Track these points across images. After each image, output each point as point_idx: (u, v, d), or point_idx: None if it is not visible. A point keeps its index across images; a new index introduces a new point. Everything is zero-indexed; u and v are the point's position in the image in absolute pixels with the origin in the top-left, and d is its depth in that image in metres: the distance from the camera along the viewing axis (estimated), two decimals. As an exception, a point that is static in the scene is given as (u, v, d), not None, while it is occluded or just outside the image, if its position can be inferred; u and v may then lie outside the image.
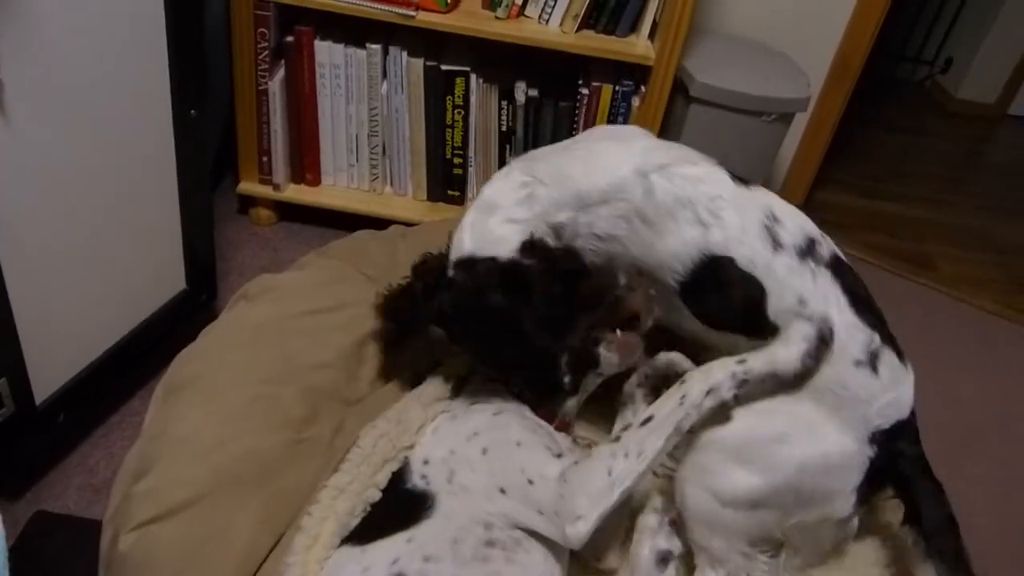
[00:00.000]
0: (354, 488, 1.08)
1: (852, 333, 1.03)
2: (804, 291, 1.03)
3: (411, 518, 0.99)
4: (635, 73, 2.09)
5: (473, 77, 2.07)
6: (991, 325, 2.53)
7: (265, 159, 2.14)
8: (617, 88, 2.08)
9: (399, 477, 1.07)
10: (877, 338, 1.04)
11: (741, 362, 1.01)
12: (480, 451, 1.05)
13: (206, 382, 1.21)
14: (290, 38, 2.01)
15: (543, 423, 1.14)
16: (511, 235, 1.06)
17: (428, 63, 2.05)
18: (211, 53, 2.03)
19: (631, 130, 1.16)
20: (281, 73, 2.06)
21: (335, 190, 2.24)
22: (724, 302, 1.07)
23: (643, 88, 2.07)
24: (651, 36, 2.04)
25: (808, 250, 1.06)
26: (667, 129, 2.14)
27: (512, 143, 2.16)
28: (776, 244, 1.05)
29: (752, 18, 2.40)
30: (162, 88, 1.48)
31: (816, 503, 1.03)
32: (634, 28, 2.05)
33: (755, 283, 1.04)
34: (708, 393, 1.00)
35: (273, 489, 1.10)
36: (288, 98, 2.09)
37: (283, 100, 2.08)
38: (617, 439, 1.00)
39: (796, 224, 1.08)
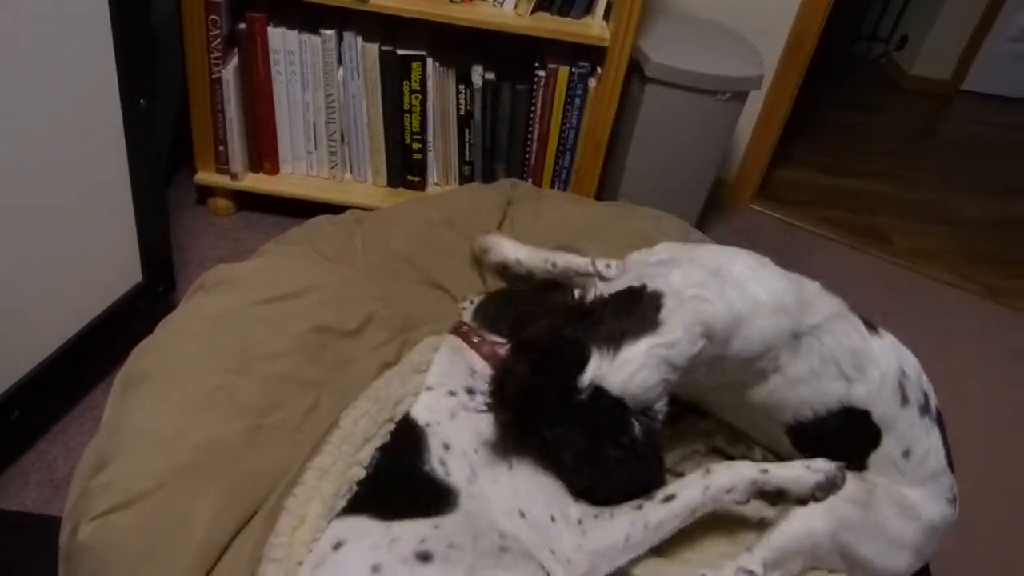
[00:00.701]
0: (337, 468, 1.09)
1: (944, 480, 1.15)
2: (915, 444, 1.12)
3: (435, 508, 1.00)
4: (591, 54, 2.10)
5: (429, 61, 2.07)
6: (944, 295, 2.60)
7: (221, 148, 2.12)
8: (573, 70, 2.09)
9: (415, 454, 1.06)
10: (955, 483, 1.17)
11: (764, 471, 1.07)
12: (507, 465, 1.05)
13: (164, 373, 1.21)
14: (242, 25, 1.99)
15: None
16: (652, 394, 1.01)
17: (384, 48, 2.03)
18: (163, 42, 2.00)
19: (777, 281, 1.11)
20: (235, 61, 2.03)
21: (294, 178, 2.22)
22: (839, 444, 1.13)
23: (599, 69, 2.08)
24: (606, 17, 2.05)
25: (926, 406, 1.15)
26: (624, 111, 2.15)
27: (471, 126, 2.16)
28: (904, 399, 1.12)
29: (706, -3, 2.42)
30: (109, 78, 1.45)
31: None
32: (589, 9, 2.06)
33: (877, 434, 1.11)
34: (729, 491, 1.05)
35: (234, 475, 1.10)
36: (243, 86, 2.07)
37: (238, 88, 2.06)
38: (640, 507, 1.04)
39: (916, 375, 1.16)
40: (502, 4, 2.01)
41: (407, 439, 1.09)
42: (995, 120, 4.00)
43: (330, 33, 2.01)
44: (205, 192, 2.23)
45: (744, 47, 2.27)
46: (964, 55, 3.99)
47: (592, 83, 2.10)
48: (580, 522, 1.02)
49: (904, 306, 2.52)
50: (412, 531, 0.96)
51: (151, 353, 1.26)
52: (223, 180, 2.17)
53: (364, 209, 1.67)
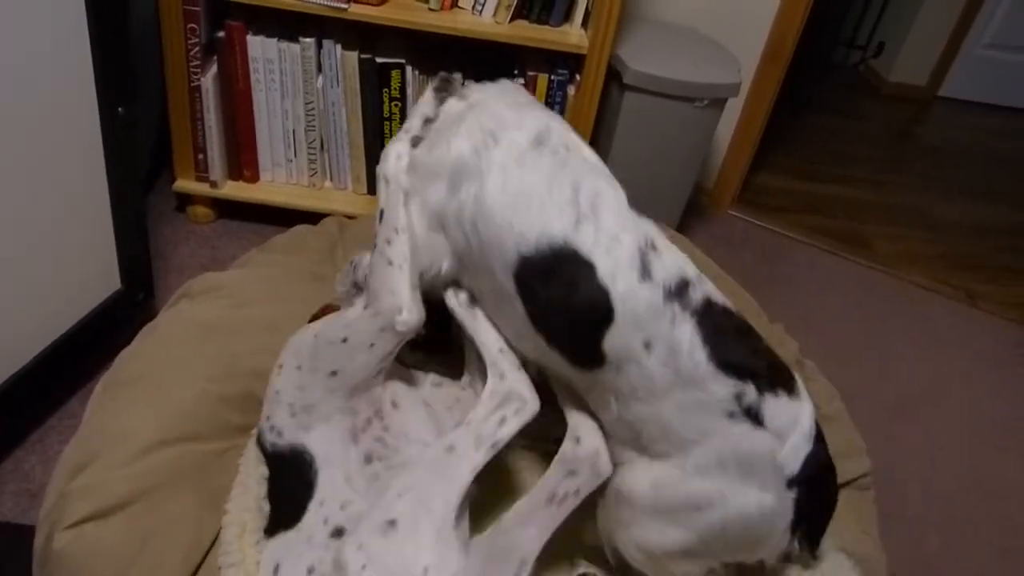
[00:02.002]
0: (253, 479, 1.13)
1: (716, 388, 0.94)
2: (656, 334, 0.94)
3: (307, 484, 1.03)
4: (569, 62, 2.11)
5: (409, 69, 2.07)
6: (925, 300, 2.62)
7: (201, 156, 2.12)
8: (552, 77, 2.10)
9: (259, 443, 1.11)
10: (752, 389, 0.94)
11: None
12: (295, 369, 1.08)
13: (149, 379, 1.21)
14: (221, 33, 1.99)
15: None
16: None
17: (363, 56, 2.04)
18: (141, 50, 2.00)
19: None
20: (214, 69, 2.04)
21: (274, 186, 2.22)
22: (565, 308, 0.97)
23: (578, 77, 2.09)
24: (584, 25, 2.06)
25: (679, 294, 0.95)
26: (603, 118, 2.17)
27: (451, 134, 2.17)
28: (646, 274, 0.95)
29: (684, 5, 2.44)
30: (87, 86, 1.45)
31: (749, 549, 1.00)
32: (567, 17, 2.07)
33: (606, 303, 0.94)
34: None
35: (214, 485, 1.11)
36: (222, 94, 2.07)
37: (217, 96, 2.06)
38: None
39: (674, 262, 0.98)
40: (481, 12, 2.02)
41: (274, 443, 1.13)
42: (972, 126, 4.05)
43: (309, 41, 2.02)
44: (184, 200, 2.23)
45: (722, 54, 2.29)
46: (940, 62, 4.05)
47: (571, 91, 2.12)
48: (360, 305, 1.06)
49: (885, 311, 2.54)
50: (314, 519, 1.00)
51: (136, 358, 1.26)
52: (203, 188, 2.17)
53: (345, 217, 1.68)
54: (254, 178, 2.21)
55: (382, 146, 2.16)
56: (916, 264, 2.78)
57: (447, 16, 2.00)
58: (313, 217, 1.74)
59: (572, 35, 2.05)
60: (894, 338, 2.40)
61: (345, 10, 1.92)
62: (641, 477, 0.99)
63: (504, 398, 1.00)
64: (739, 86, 2.19)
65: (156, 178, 2.31)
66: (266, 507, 1.08)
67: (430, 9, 1.99)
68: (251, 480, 1.13)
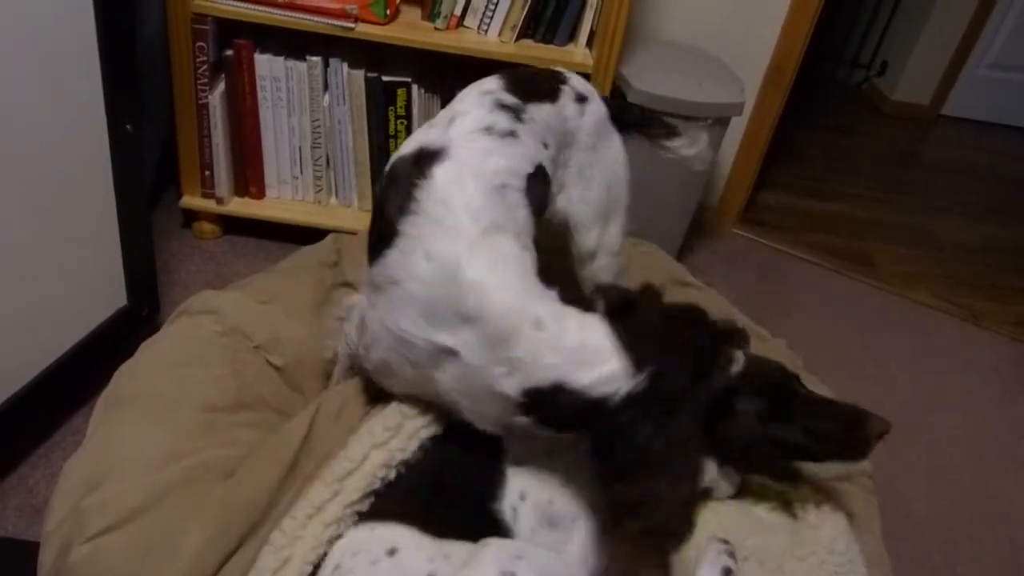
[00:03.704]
0: (334, 509, 1.06)
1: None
2: (585, 167, 1.39)
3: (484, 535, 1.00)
4: (574, 81, 2.12)
5: (415, 87, 2.09)
6: (927, 318, 2.62)
7: (207, 173, 2.13)
8: (557, 96, 2.11)
9: (489, 490, 1.06)
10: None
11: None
12: (563, 536, 1.06)
13: (153, 395, 1.21)
14: (229, 52, 2.01)
15: None
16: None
17: (369, 74, 2.06)
18: (150, 67, 2.02)
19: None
20: (221, 87, 2.05)
21: (279, 202, 2.23)
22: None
23: (582, 95, 2.10)
24: (589, 44, 2.08)
25: (581, 96, 1.37)
26: (607, 135, 2.17)
27: (456, 152, 2.18)
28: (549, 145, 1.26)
29: (688, 24, 2.46)
30: (96, 104, 1.47)
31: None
32: (572, 37, 2.09)
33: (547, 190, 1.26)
34: None
35: (223, 502, 1.10)
36: (229, 111, 2.08)
37: (224, 113, 2.07)
38: None
39: (473, 120, 1.16)
40: (487, 32, 2.03)
41: (484, 467, 1.08)
42: (975, 145, 4.06)
43: (316, 59, 2.03)
44: (191, 216, 2.24)
45: (726, 73, 2.30)
46: (944, 81, 4.06)
47: (575, 109, 2.13)
48: None
49: (888, 329, 2.54)
50: (463, 549, 0.97)
51: (137, 375, 1.27)
52: (209, 204, 2.18)
53: (351, 234, 1.68)
54: (260, 194, 2.22)
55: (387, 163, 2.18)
56: (919, 282, 2.78)
57: (453, 35, 2.02)
58: (318, 233, 1.75)
59: (577, 54, 2.07)
60: (896, 356, 2.40)
61: (352, 29, 1.94)
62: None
63: None
64: (743, 105, 2.20)
65: (162, 194, 2.32)
66: (323, 550, 1.04)
67: (436, 28, 2.01)
68: (332, 506, 1.05)
